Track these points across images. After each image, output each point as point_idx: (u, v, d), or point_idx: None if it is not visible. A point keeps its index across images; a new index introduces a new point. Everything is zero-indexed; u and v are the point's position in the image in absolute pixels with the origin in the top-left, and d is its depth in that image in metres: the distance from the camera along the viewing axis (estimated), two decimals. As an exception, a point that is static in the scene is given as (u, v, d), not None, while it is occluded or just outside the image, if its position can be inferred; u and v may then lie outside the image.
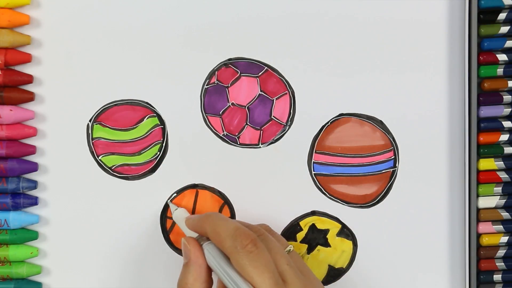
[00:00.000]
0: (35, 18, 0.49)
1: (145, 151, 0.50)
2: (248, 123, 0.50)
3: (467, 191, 0.49)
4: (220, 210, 0.50)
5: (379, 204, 0.50)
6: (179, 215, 0.47)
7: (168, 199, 0.50)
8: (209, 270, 0.42)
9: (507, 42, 0.49)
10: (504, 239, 0.50)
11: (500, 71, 0.49)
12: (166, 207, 0.50)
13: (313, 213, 0.50)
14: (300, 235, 0.50)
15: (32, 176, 0.49)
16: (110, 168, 0.50)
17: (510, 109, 0.49)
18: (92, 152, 0.50)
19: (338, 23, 0.49)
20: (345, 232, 0.50)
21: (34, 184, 0.49)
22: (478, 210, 0.50)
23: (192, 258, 0.42)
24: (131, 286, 0.50)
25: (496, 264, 0.50)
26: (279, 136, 0.50)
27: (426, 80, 0.50)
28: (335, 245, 0.50)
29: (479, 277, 0.50)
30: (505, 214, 0.50)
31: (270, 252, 0.41)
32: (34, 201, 0.49)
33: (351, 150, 0.50)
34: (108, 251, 0.50)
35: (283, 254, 0.42)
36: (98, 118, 0.50)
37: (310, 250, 0.50)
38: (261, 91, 0.50)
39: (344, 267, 0.51)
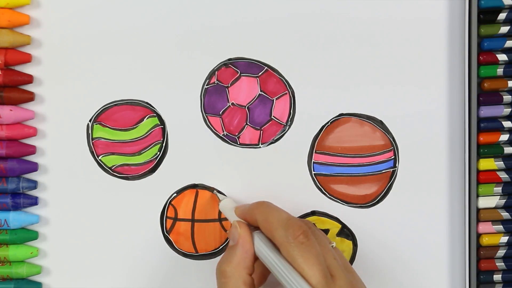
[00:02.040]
0: (35, 18, 0.49)
1: (145, 151, 0.50)
2: (248, 123, 0.50)
3: (467, 191, 0.49)
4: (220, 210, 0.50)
5: (379, 204, 0.50)
6: (226, 204, 0.47)
7: (168, 199, 0.50)
8: (254, 258, 0.42)
9: (507, 42, 0.49)
10: (504, 239, 0.50)
11: (500, 71, 0.49)
12: (166, 207, 0.50)
13: (313, 213, 0.50)
14: (300, 235, 0.50)
15: (32, 176, 0.49)
16: (110, 168, 0.50)
17: (510, 109, 0.49)
18: (92, 152, 0.50)
19: (338, 23, 0.49)
20: (345, 232, 0.50)
21: (34, 184, 0.49)
22: (478, 210, 0.50)
23: (240, 242, 0.42)
24: (131, 286, 0.50)
25: (496, 264, 0.50)
26: (279, 136, 0.50)
27: (426, 80, 0.50)
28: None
29: (479, 277, 0.50)
30: (505, 214, 0.50)
31: (319, 245, 0.41)
32: (34, 201, 0.49)
33: (351, 150, 0.50)
34: (108, 251, 0.50)
35: (330, 249, 0.42)
36: (98, 118, 0.50)
37: (310, 250, 0.50)
38: (261, 91, 0.50)
39: (344, 267, 0.51)
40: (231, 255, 0.42)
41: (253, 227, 0.43)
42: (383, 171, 0.50)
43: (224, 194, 0.49)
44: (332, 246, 0.43)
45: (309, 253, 0.40)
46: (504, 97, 0.49)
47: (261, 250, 0.42)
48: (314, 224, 0.46)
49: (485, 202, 0.50)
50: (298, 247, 0.40)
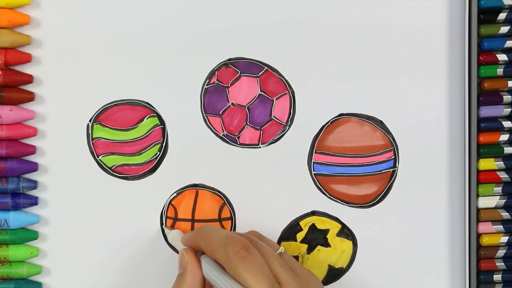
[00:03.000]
0: (35, 18, 0.49)
1: (145, 151, 0.50)
2: (248, 123, 0.50)
3: (467, 191, 0.49)
4: (220, 210, 0.50)
5: (379, 204, 0.50)
6: (174, 236, 0.47)
7: (168, 199, 0.50)
8: (203, 283, 0.43)
9: (507, 42, 0.49)
10: (504, 239, 0.50)
11: (500, 71, 0.49)
12: (166, 207, 0.50)
13: (313, 213, 0.50)
14: (300, 235, 0.50)
15: (32, 176, 0.49)
16: (110, 168, 0.50)
17: (510, 109, 0.49)
18: (92, 152, 0.50)
19: (338, 23, 0.49)
20: (345, 232, 0.50)
21: (34, 184, 0.49)
22: (478, 210, 0.50)
23: (188, 268, 0.43)
24: (130, 286, 0.50)
25: (496, 264, 0.50)
26: (279, 136, 0.50)
27: (426, 80, 0.50)
28: (335, 245, 0.50)
29: (479, 277, 0.50)
30: (505, 214, 0.50)
31: (262, 256, 0.41)
32: (34, 201, 0.49)
33: (351, 150, 0.50)
34: (108, 251, 0.50)
35: (275, 257, 0.42)
36: (98, 118, 0.50)
37: (310, 250, 0.50)
38: (261, 91, 0.50)
39: (344, 267, 0.51)
40: (181, 282, 0.43)
41: (200, 253, 0.44)
42: (383, 171, 0.50)
43: (170, 227, 0.49)
44: (280, 252, 0.44)
45: (251, 266, 0.40)
46: (504, 97, 0.49)
47: (208, 274, 0.42)
48: (258, 235, 0.47)
49: (485, 202, 0.50)
50: (240, 262, 0.40)
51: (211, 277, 0.42)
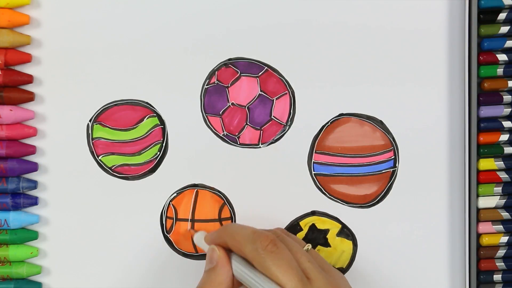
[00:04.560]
0: (35, 18, 0.49)
1: (145, 151, 0.50)
2: (248, 123, 0.50)
3: (467, 191, 0.49)
4: (220, 210, 0.50)
5: (379, 204, 0.50)
6: (199, 237, 0.47)
7: (168, 199, 0.50)
8: (233, 280, 0.42)
9: (507, 42, 0.49)
10: (504, 239, 0.50)
11: (500, 71, 0.49)
12: (166, 207, 0.50)
13: (313, 213, 0.50)
14: (300, 235, 0.50)
15: (32, 176, 0.49)
16: (110, 168, 0.50)
17: (510, 109, 0.49)
18: (92, 152, 0.50)
19: (339, 23, 0.49)
20: (345, 232, 0.50)
21: (34, 184, 0.49)
22: (478, 210, 0.50)
23: (219, 263, 0.42)
24: (130, 286, 0.50)
25: (496, 264, 0.50)
26: (279, 136, 0.50)
27: (426, 80, 0.50)
28: (335, 245, 0.50)
29: (479, 277, 0.50)
30: (505, 214, 0.50)
31: (290, 251, 0.41)
32: (34, 201, 0.49)
33: (351, 150, 0.50)
34: (108, 251, 0.50)
35: (303, 252, 0.42)
36: (98, 118, 0.50)
37: (310, 250, 0.50)
38: (261, 91, 0.50)
39: (344, 267, 0.51)
40: (212, 276, 0.42)
41: (229, 250, 0.43)
42: (383, 171, 0.50)
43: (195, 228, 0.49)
44: (307, 249, 0.44)
45: (280, 260, 0.40)
46: (504, 97, 0.49)
47: (238, 271, 0.42)
48: (285, 231, 0.47)
49: (485, 202, 0.50)
50: (269, 256, 0.40)
51: (241, 274, 0.42)
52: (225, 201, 0.50)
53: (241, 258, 0.42)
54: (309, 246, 0.44)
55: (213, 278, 0.42)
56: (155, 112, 0.50)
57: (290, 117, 0.50)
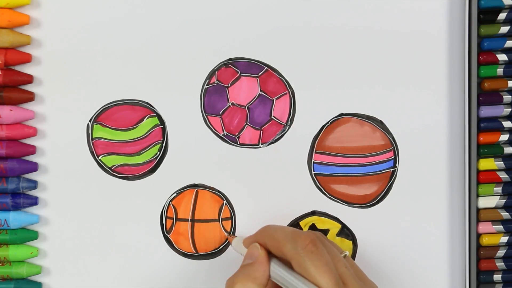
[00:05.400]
0: (35, 18, 0.49)
1: (145, 151, 0.50)
2: (248, 123, 0.50)
3: (467, 191, 0.49)
4: (220, 210, 0.50)
5: (379, 204, 0.50)
6: (237, 241, 0.47)
7: (168, 199, 0.50)
8: (268, 280, 0.42)
9: (507, 42, 0.49)
10: (504, 239, 0.50)
11: (500, 71, 0.49)
12: (166, 207, 0.50)
13: (313, 213, 0.50)
14: (300, 235, 0.50)
15: (32, 176, 0.49)
16: (110, 168, 0.50)
17: (510, 109, 0.49)
18: (92, 152, 0.50)
19: (339, 23, 0.49)
20: (345, 232, 0.50)
21: (34, 184, 0.49)
22: (478, 210, 0.50)
23: (259, 260, 0.43)
24: (131, 286, 0.50)
25: (496, 264, 0.50)
26: (279, 136, 0.50)
27: (426, 80, 0.50)
28: (335, 245, 0.50)
29: (479, 277, 0.50)
30: (505, 214, 0.50)
31: (328, 254, 0.41)
32: (34, 201, 0.49)
33: (351, 150, 0.50)
34: (108, 251, 0.50)
35: (340, 258, 0.42)
36: (98, 118, 0.50)
37: (310, 250, 0.50)
38: (261, 91, 0.50)
39: (344, 267, 0.51)
40: (249, 270, 0.42)
41: (268, 252, 0.43)
42: (383, 171, 0.50)
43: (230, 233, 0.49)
44: (345, 255, 0.43)
45: (319, 261, 0.40)
46: (504, 97, 0.49)
47: (276, 272, 0.42)
48: (323, 234, 0.46)
49: (485, 202, 0.50)
50: (308, 256, 0.40)
51: (279, 275, 0.42)
52: (225, 201, 0.50)
53: (281, 263, 0.42)
54: (347, 252, 0.44)
55: (250, 273, 0.42)
56: (155, 112, 0.50)
57: (290, 117, 0.50)
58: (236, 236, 0.48)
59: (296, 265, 0.41)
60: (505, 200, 0.50)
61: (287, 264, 0.42)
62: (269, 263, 0.43)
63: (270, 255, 0.43)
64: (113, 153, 0.50)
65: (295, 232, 0.42)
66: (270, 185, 0.50)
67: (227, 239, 0.50)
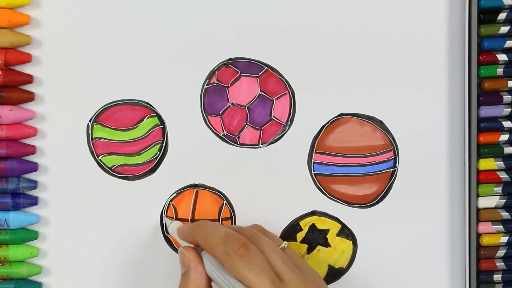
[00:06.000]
0: (35, 18, 0.49)
1: (145, 151, 0.50)
2: (248, 123, 0.50)
3: (467, 191, 0.49)
4: (220, 210, 0.50)
5: (379, 204, 0.50)
6: (174, 228, 0.46)
7: (168, 199, 0.50)
8: (209, 279, 0.42)
9: (507, 42, 0.49)
10: (504, 239, 0.50)
11: (500, 71, 0.49)
12: (166, 207, 0.50)
13: (313, 213, 0.50)
14: (300, 235, 0.50)
15: (32, 176, 0.49)
16: (110, 168, 0.50)
17: (510, 109, 0.49)
18: (92, 152, 0.50)
19: (339, 23, 0.49)
20: (345, 232, 0.50)
21: (34, 184, 0.49)
22: (478, 210, 0.50)
23: (192, 267, 0.42)
24: (131, 286, 0.50)
25: (496, 264, 0.50)
26: (279, 136, 0.50)
27: (426, 80, 0.50)
28: (335, 245, 0.50)
29: (479, 277, 0.50)
30: (505, 214, 0.50)
31: (263, 252, 0.41)
32: (34, 201, 0.49)
33: (351, 150, 0.50)
34: (108, 251, 0.50)
35: (277, 253, 0.42)
36: (98, 118, 0.50)
37: (310, 250, 0.50)
38: (261, 91, 0.50)
39: (344, 267, 0.51)
40: (187, 281, 0.42)
41: (200, 248, 0.43)
42: (383, 171, 0.50)
43: (171, 218, 0.49)
44: (283, 247, 0.43)
45: (251, 264, 0.40)
46: (504, 97, 0.49)
47: (210, 271, 0.42)
48: (261, 229, 0.46)
49: (485, 202, 0.50)
50: (240, 260, 0.40)
51: (213, 275, 0.42)
52: (225, 201, 0.50)
53: (213, 258, 0.42)
54: (286, 244, 0.44)
55: (188, 284, 0.42)
56: (155, 112, 0.50)
57: (290, 117, 0.50)
58: (171, 221, 0.47)
59: (229, 269, 0.40)
60: (505, 200, 0.50)
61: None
62: (203, 263, 0.42)
63: (203, 251, 0.42)
64: (113, 153, 0.50)
65: (226, 235, 0.41)
66: (270, 185, 0.50)
67: None
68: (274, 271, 0.40)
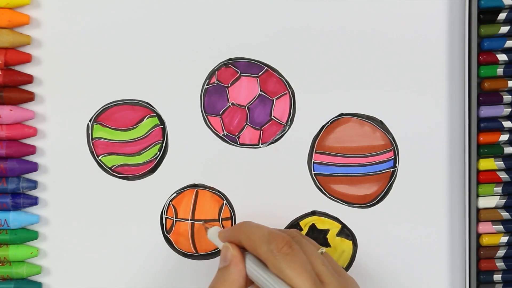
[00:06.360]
0: (35, 18, 0.49)
1: (145, 151, 0.50)
2: (248, 123, 0.50)
3: (467, 191, 0.49)
4: (220, 210, 0.50)
5: (379, 204, 0.50)
6: (213, 233, 0.46)
7: (168, 199, 0.50)
8: (246, 279, 0.42)
9: (507, 42, 0.49)
10: (504, 239, 0.50)
11: (500, 71, 0.49)
12: (166, 207, 0.50)
13: (313, 213, 0.50)
14: (300, 235, 0.50)
15: (32, 176, 0.49)
16: (110, 168, 0.50)
17: (510, 109, 0.49)
18: (92, 152, 0.50)
19: (339, 22, 0.49)
20: (345, 232, 0.50)
21: (34, 184, 0.49)
22: (478, 210, 0.50)
23: (233, 262, 0.42)
24: (130, 286, 0.50)
25: (496, 264, 0.50)
26: (279, 136, 0.50)
27: (426, 80, 0.50)
28: (335, 245, 0.50)
29: (479, 277, 0.50)
30: (505, 214, 0.50)
31: (305, 253, 0.41)
32: (34, 201, 0.49)
33: (351, 150, 0.50)
34: (108, 251, 0.50)
35: (318, 255, 0.42)
36: (98, 118, 0.50)
37: (310, 250, 0.50)
38: (261, 91, 0.50)
39: (344, 267, 0.51)
40: (225, 275, 0.42)
41: (243, 249, 0.43)
42: (383, 171, 0.50)
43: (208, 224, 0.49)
44: (322, 252, 0.43)
45: (295, 262, 0.40)
46: (504, 97, 0.49)
47: (252, 270, 0.42)
48: (299, 232, 0.46)
49: (485, 202, 0.50)
50: (284, 258, 0.40)
51: (255, 274, 0.41)
52: (225, 201, 0.50)
53: (255, 258, 0.42)
54: (324, 249, 0.44)
55: (226, 277, 0.42)
56: (155, 112, 0.50)
57: (290, 117, 0.50)
58: (211, 227, 0.47)
59: (272, 267, 0.40)
60: (505, 200, 0.50)
61: (261, 261, 0.42)
62: (244, 262, 0.42)
63: (246, 252, 0.43)
64: (113, 153, 0.50)
65: (270, 233, 0.41)
66: (270, 185, 0.50)
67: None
68: (315, 273, 0.40)
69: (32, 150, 0.49)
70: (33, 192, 0.50)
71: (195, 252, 0.50)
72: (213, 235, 0.46)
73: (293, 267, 0.40)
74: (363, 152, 0.50)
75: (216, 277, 0.42)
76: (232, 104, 0.50)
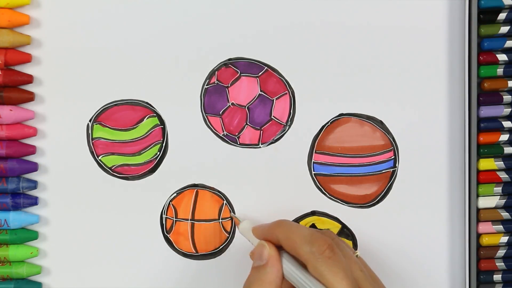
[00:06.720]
0: (35, 18, 0.49)
1: (145, 151, 0.50)
2: (248, 123, 0.50)
3: (467, 191, 0.49)
4: (220, 210, 0.50)
5: (379, 204, 0.50)
6: (245, 226, 0.45)
7: (168, 199, 0.50)
8: (282, 279, 0.41)
9: (507, 42, 0.49)
10: (504, 239, 0.50)
11: (500, 71, 0.49)
12: (166, 207, 0.50)
13: (313, 213, 0.50)
14: (300, 235, 0.50)
15: (32, 176, 0.49)
16: (110, 168, 0.50)
17: (510, 109, 0.49)
18: (92, 152, 0.50)
19: (339, 23, 0.49)
20: (345, 232, 0.50)
21: (34, 184, 0.49)
22: (478, 210, 0.50)
23: (270, 261, 0.41)
24: (130, 286, 0.50)
25: (496, 264, 0.50)
26: (279, 136, 0.50)
27: (426, 80, 0.50)
28: (335, 245, 0.50)
29: (479, 277, 0.50)
30: (505, 214, 0.50)
31: (344, 257, 0.40)
32: (34, 201, 0.49)
33: (351, 150, 0.50)
34: (108, 251, 0.50)
35: (355, 260, 0.41)
36: (98, 118, 0.50)
37: (310, 250, 0.50)
38: (261, 91, 0.50)
39: (344, 267, 0.50)
40: (261, 274, 0.41)
41: (279, 247, 0.42)
42: (383, 171, 0.50)
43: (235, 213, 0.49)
44: (356, 256, 0.43)
45: (336, 267, 0.39)
46: (504, 97, 0.49)
47: (289, 270, 0.41)
48: (336, 235, 0.45)
49: (485, 202, 0.50)
50: (326, 262, 0.39)
51: (292, 275, 0.41)
52: (225, 201, 0.50)
53: (292, 258, 0.41)
54: (358, 252, 0.43)
55: (263, 277, 0.41)
56: (155, 112, 0.50)
57: (290, 117, 0.50)
58: (243, 220, 0.46)
59: (312, 269, 0.39)
60: (505, 200, 0.50)
61: (298, 261, 0.41)
62: (281, 262, 0.41)
63: (282, 250, 0.42)
64: (113, 153, 0.50)
65: (312, 234, 0.40)
66: (270, 185, 0.50)
67: (227, 238, 0.50)
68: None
69: (32, 150, 0.49)
70: (33, 192, 0.50)
71: (195, 252, 0.50)
72: (246, 230, 0.45)
73: (335, 271, 0.39)
74: (363, 152, 0.50)
75: (252, 276, 0.41)
76: (232, 104, 0.50)
